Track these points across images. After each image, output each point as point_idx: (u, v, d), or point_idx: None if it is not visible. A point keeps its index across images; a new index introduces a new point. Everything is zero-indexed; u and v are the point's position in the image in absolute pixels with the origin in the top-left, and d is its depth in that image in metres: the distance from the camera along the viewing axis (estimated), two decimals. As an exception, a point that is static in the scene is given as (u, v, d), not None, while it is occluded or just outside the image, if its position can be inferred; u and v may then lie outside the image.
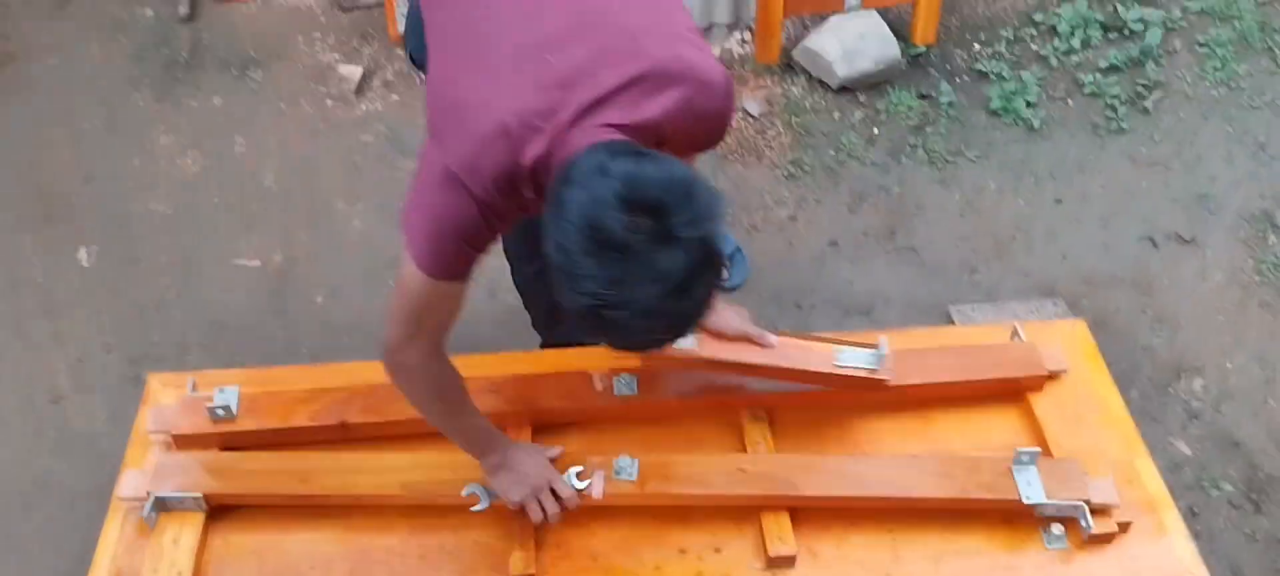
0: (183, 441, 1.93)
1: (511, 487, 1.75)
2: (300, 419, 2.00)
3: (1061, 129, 3.26)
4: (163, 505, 1.83)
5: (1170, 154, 3.21)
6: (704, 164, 3.11)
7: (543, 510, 1.75)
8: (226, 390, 1.99)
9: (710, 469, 1.90)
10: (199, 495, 1.83)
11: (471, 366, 2.10)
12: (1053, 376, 2.08)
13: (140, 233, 2.88)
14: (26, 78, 3.32)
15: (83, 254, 2.82)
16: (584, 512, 1.84)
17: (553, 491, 1.75)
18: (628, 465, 1.86)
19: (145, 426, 2.01)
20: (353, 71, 3.36)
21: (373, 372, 2.15)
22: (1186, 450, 2.47)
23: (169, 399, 2.03)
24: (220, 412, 1.97)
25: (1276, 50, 3.44)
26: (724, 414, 2.03)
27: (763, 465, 1.90)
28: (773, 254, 2.90)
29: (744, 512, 1.88)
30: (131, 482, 1.86)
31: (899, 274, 2.85)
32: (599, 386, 2.09)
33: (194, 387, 2.01)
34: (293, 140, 3.14)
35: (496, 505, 1.80)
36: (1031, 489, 1.89)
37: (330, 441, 2.02)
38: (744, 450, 1.97)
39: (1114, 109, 3.29)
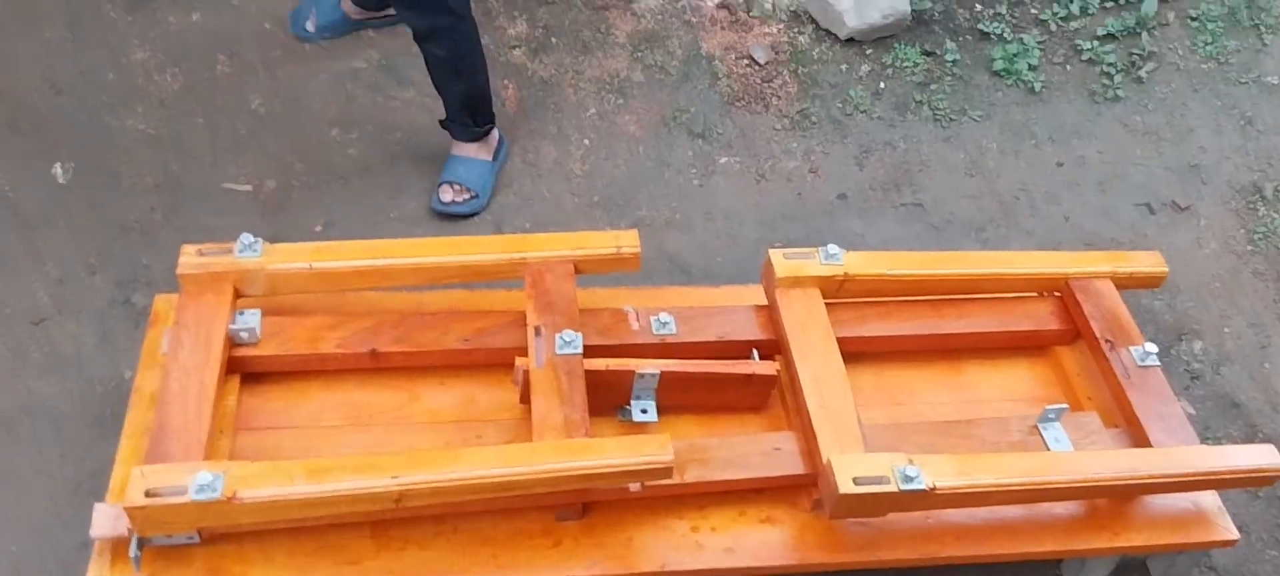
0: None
1: None
2: (328, 346, 1.90)
3: (1060, 93, 3.27)
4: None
5: (1162, 123, 3.24)
6: (711, 108, 3.06)
7: None
8: (247, 312, 1.88)
9: (749, 450, 1.85)
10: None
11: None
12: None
13: (120, 150, 2.71)
14: (-17, -19, 3.09)
15: (57, 170, 2.64)
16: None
17: None
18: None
19: (159, 348, 1.90)
20: (342, -5, 3.22)
21: (393, 300, 2.08)
22: (1191, 409, 2.50)
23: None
24: (244, 336, 1.86)
25: (1263, 28, 3.50)
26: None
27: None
28: (783, 203, 2.86)
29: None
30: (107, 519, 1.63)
31: (909, 229, 2.84)
32: (635, 323, 2.03)
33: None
34: (279, 62, 2.98)
35: None
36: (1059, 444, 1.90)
37: (359, 370, 1.93)
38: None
39: (1110, 76, 3.31)
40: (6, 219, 2.52)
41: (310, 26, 3.01)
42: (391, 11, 3.01)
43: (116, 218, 2.56)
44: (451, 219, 2.68)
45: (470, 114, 2.67)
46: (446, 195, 2.67)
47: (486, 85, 2.67)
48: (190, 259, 1.88)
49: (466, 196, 2.68)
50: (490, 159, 2.74)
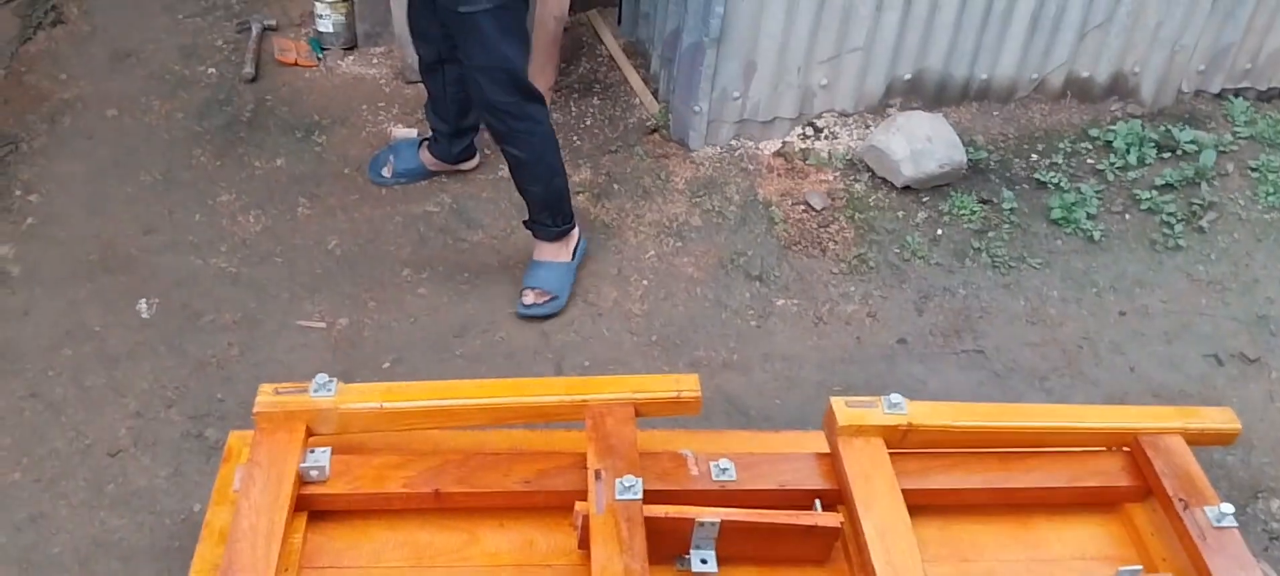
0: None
1: None
2: (393, 485, 1.93)
3: (1120, 243, 3.27)
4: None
5: (1227, 274, 3.22)
6: (768, 252, 3.10)
7: None
8: (318, 451, 1.92)
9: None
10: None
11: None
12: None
13: (202, 288, 2.82)
14: (84, 129, 3.28)
15: (142, 306, 2.75)
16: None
17: None
18: None
19: (230, 485, 1.94)
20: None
21: (457, 439, 2.12)
22: (1271, 572, 2.42)
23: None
24: (314, 474, 1.90)
25: (1326, 179, 3.50)
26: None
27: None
28: (842, 347, 2.87)
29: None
30: None
31: (970, 377, 2.83)
32: (694, 469, 2.04)
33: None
34: (356, 205, 3.11)
35: None
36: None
37: (423, 510, 1.95)
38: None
39: (1170, 226, 3.31)
40: (92, 353, 2.62)
41: (387, 173, 3.15)
42: (465, 167, 3.15)
43: (195, 353, 2.65)
44: (534, 320, 2.82)
45: (550, 214, 2.82)
46: (528, 299, 2.83)
47: (564, 187, 2.81)
48: (267, 398, 1.94)
49: (547, 299, 2.83)
50: (569, 259, 2.90)
